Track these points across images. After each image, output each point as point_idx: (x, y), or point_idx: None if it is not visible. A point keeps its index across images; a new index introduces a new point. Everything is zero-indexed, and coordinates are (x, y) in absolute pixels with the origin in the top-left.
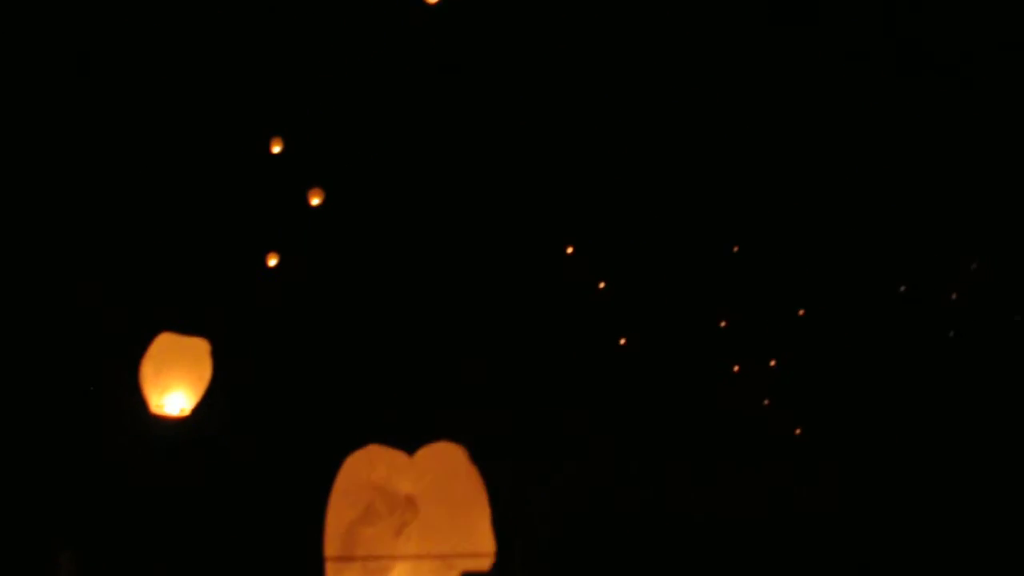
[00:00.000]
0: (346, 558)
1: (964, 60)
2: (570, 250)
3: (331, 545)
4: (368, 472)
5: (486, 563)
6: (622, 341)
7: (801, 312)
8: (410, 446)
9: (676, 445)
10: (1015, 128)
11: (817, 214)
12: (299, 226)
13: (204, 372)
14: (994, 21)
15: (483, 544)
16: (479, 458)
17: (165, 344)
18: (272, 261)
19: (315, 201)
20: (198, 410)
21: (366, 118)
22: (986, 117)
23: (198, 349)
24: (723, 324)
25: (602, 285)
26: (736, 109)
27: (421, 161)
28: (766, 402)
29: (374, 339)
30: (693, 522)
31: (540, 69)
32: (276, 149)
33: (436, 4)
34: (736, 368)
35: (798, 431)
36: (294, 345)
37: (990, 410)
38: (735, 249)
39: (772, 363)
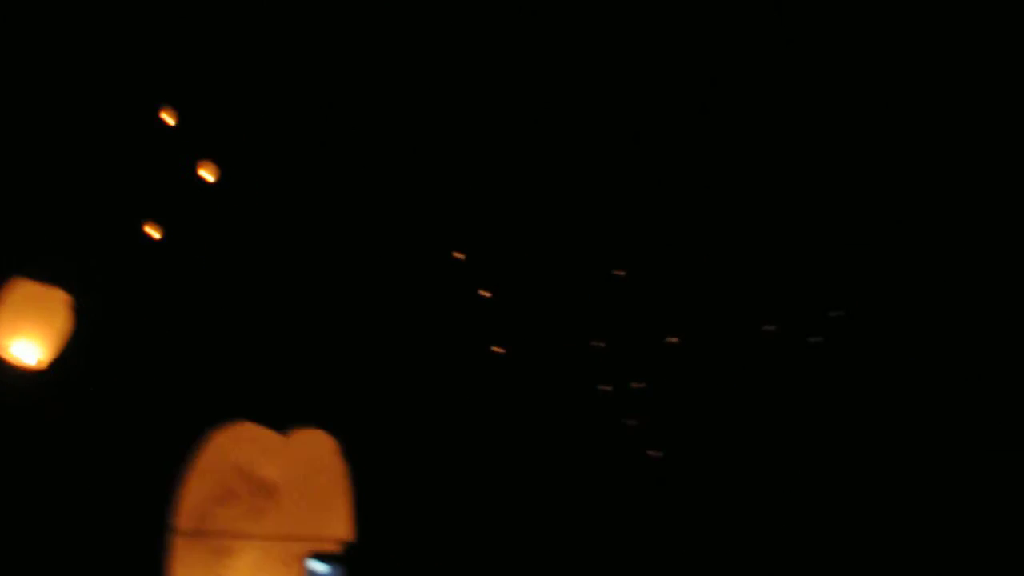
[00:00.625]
0: (196, 533)
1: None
2: (460, 256)
3: (182, 519)
4: (233, 451)
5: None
6: (497, 349)
7: (673, 340)
8: (283, 427)
9: (541, 448)
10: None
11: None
12: (189, 197)
13: (60, 323)
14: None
15: (338, 534)
16: (350, 450)
17: (22, 290)
18: (154, 232)
19: (207, 175)
20: (58, 365)
21: (272, 99)
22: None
23: (55, 300)
24: (600, 344)
25: (486, 294)
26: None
27: (324, 146)
28: (630, 422)
29: (261, 317)
30: (553, 520)
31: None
32: (170, 120)
33: None
34: (605, 388)
35: (656, 454)
36: (178, 313)
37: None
38: (619, 272)
39: (635, 385)
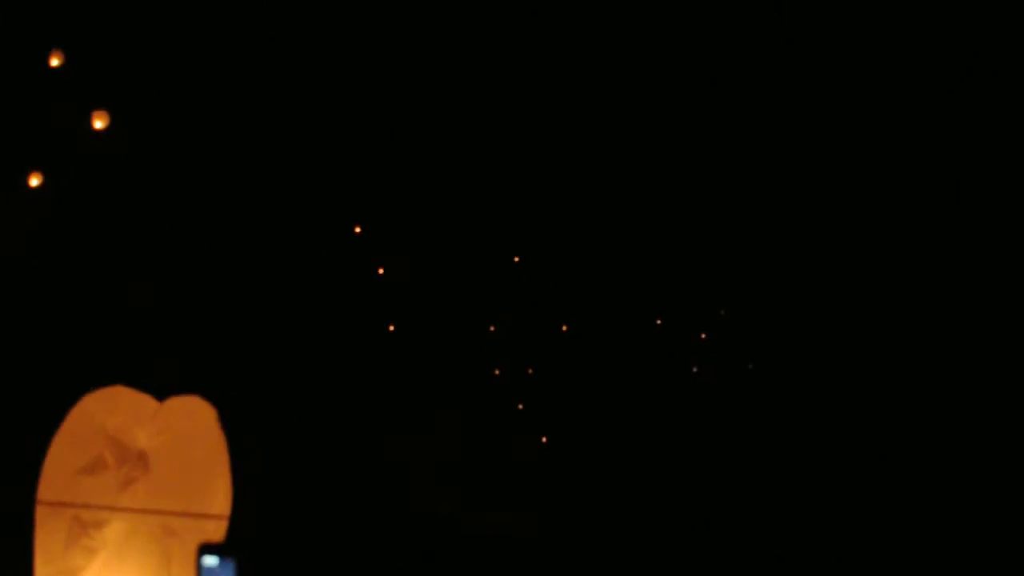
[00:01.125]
0: (60, 504)
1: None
2: (357, 229)
3: (46, 489)
4: (104, 417)
5: (214, 527)
6: (391, 328)
7: (564, 328)
8: (159, 394)
9: (425, 439)
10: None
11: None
12: (74, 146)
13: None
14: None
15: (215, 508)
16: (229, 420)
17: None
18: (34, 180)
19: (97, 124)
20: None
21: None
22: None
23: None
24: (491, 328)
25: (381, 271)
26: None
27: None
28: (520, 406)
29: (142, 277)
30: (434, 518)
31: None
32: (55, 62)
33: None
34: (496, 371)
35: (544, 439)
36: (53, 269)
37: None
38: (515, 259)
39: (529, 371)
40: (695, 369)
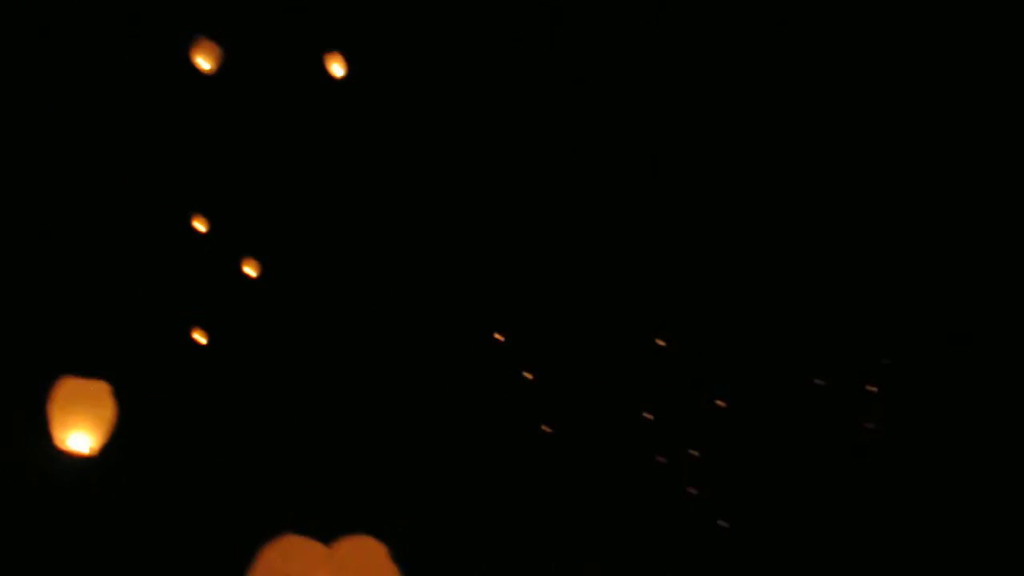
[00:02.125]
0: None
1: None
2: (500, 337)
3: None
4: (284, 565)
5: None
6: (545, 428)
7: (721, 403)
8: (325, 538)
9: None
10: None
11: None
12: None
13: (106, 413)
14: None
15: None
16: (400, 555)
17: (68, 387)
18: (200, 337)
19: (250, 272)
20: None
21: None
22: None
23: (99, 391)
24: (648, 416)
25: (530, 376)
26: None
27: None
28: (692, 491)
29: (296, 426)
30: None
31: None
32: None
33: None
34: (660, 458)
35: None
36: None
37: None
38: (660, 343)
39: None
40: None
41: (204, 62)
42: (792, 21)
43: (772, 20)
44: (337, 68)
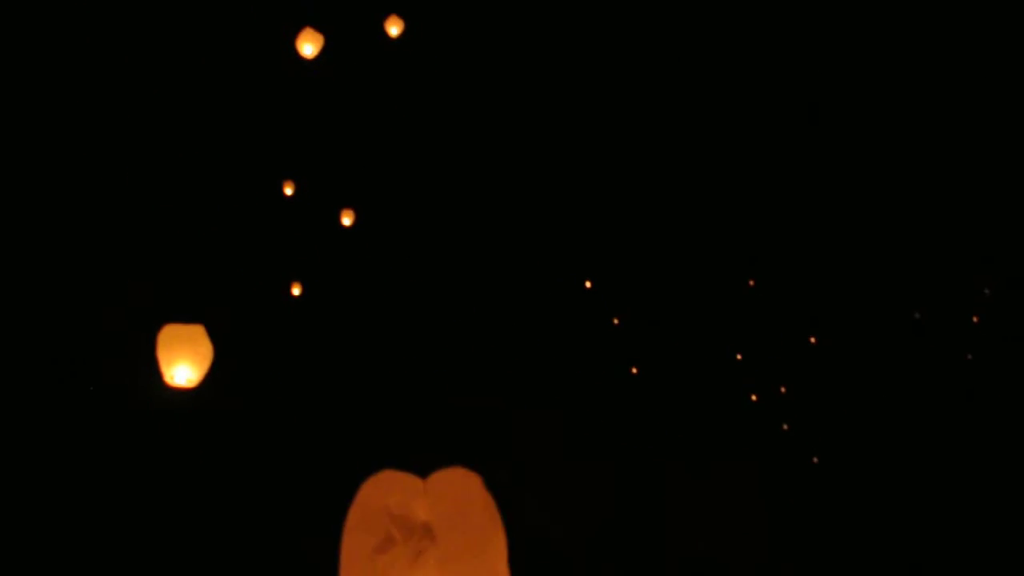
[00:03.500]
0: None
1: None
2: (588, 284)
3: (347, 572)
4: (383, 499)
5: None
6: (634, 370)
7: (813, 340)
8: (422, 471)
9: (682, 478)
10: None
11: (826, 237)
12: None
13: (204, 351)
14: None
15: (498, 569)
16: (492, 486)
17: (170, 331)
18: (295, 288)
19: (346, 221)
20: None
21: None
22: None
23: (197, 334)
24: (738, 356)
25: (616, 321)
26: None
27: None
28: (784, 427)
29: (386, 356)
30: (673, 554)
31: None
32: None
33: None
34: (753, 397)
35: (815, 460)
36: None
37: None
38: (751, 283)
39: (783, 390)
40: (968, 356)
41: (307, 47)
42: (792, 21)
43: (773, 20)
44: (393, 29)
